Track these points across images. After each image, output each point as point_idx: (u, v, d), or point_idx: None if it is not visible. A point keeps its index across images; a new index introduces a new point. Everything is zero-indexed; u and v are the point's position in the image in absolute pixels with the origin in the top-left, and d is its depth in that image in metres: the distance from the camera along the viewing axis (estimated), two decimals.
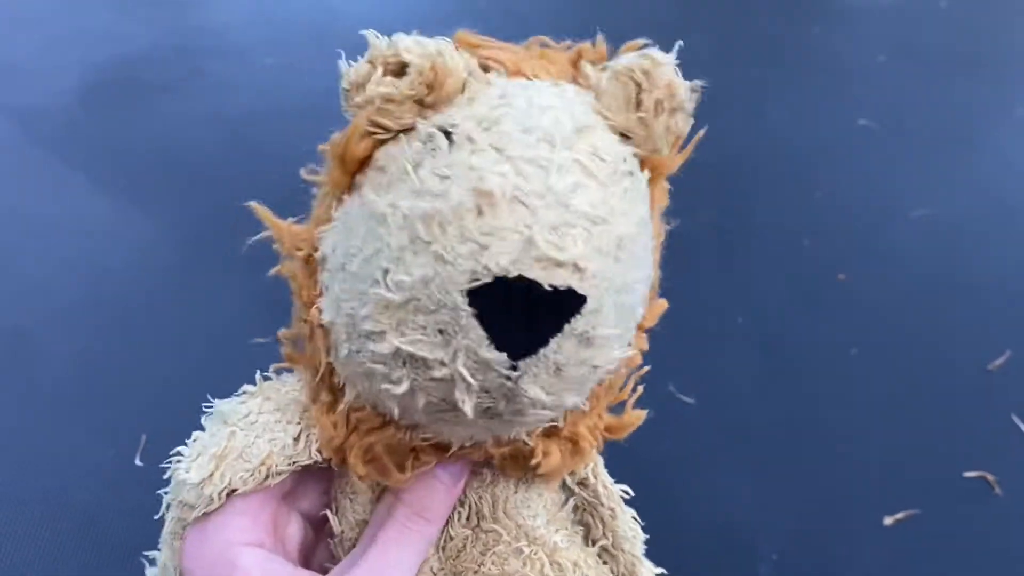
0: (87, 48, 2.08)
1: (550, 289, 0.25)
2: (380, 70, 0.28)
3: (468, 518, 0.35)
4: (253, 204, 0.34)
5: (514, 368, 0.26)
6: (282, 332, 0.36)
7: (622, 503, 0.40)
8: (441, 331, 0.26)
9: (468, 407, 0.27)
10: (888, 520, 1.24)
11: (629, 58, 0.30)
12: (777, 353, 1.49)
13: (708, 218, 1.78)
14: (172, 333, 1.40)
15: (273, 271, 0.35)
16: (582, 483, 0.39)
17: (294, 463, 0.33)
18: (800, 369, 1.46)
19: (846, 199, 1.89)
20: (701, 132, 0.32)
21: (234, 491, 0.33)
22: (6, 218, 1.63)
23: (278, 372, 0.37)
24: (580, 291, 0.26)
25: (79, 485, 1.18)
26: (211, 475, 0.33)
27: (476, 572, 0.35)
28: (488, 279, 0.25)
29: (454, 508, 0.35)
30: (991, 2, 2.73)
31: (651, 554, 1.35)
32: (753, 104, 2.18)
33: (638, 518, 0.42)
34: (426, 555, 0.34)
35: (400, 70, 0.28)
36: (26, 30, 2.16)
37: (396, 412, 0.30)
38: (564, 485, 0.39)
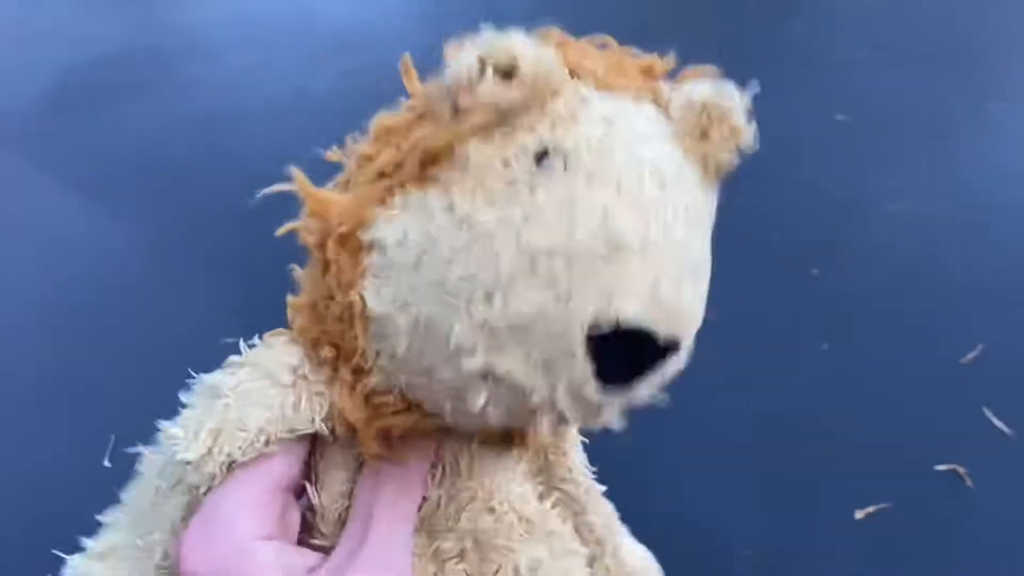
0: (57, 49, 2.08)
1: (659, 338, 0.26)
2: (491, 72, 0.27)
3: (443, 478, 0.35)
4: (293, 170, 0.32)
5: (599, 401, 0.27)
6: (293, 301, 0.35)
7: (600, 496, 0.41)
8: (545, 361, 0.26)
9: (546, 427, 0.28)
10: (859, 514, 1.24)
11: (704, 89, 0.30)
12: (749, 349, 1.49)
13: None
14: (141, 334, 1.39)
15: (284, 230, 0.33)
16: (563, 479, 0.40)
17: (292, 431, 0.33)
18: (772, 365, 1.46)
19: (821, 194, 1.89)
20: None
21: (233, 463, 0.32)
22: None
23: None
24: (684, 339, 0.27)
25: (47, 485, 1.18)
26: (209, 450, 0.32)
27: (450, 530, 0.35)
28: (610, 325, 0.25)
29: (429, 470, 0.35)
30: (968, 0, 2.75)
31: None
32: None
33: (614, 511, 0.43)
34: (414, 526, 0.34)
35: (509, 72, 0.27)
36: None
37: (435, 403, 0.31)
38: (548, 478, 0.40)
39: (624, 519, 1.38)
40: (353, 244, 0.30)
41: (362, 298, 0.30)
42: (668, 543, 1.30)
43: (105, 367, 1.33)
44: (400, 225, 0.29)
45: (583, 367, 0.26)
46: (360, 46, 2.01)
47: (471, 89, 0.27)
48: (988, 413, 1.40)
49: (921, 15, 2.63)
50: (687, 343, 0.28)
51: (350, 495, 0.34)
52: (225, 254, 1.46)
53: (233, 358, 0.34)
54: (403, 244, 0.29)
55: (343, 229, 0.31)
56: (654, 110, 0.30)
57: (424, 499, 0.35)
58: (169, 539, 0.34)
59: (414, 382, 0.30)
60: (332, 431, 0.33)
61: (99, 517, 0.36)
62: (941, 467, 1.32)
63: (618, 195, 0.26)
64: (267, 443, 0.32)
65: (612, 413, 0.29)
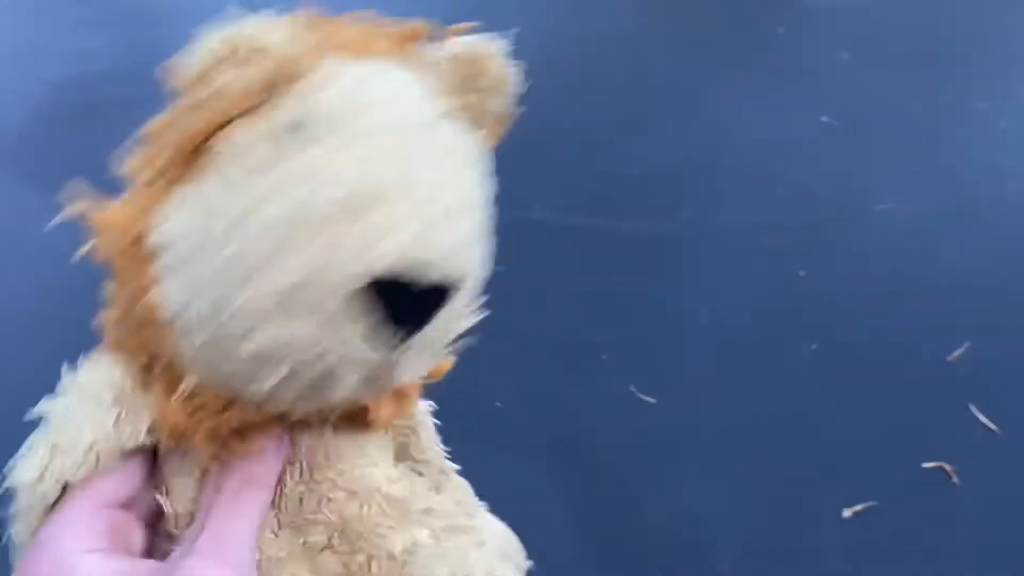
0: (47, 65, 2.09)
1: (426, 288, 0.27)
2: (227, 59, 0.28)
3: (301, 474, 0.35)
4: (74, 184, 0.34)
5: (390, 355, 0.28)
6: (104, 316, 0.35)
7: (455, 474, 0.41)
8: (320, 326, 0.27)
9: (341, 393, 0.29)
10: (847, 512, 1.25)
11: (464, 44, 0.32)
12: (738, 350, 1.50)
13: (670, 217, 1.79)
14: None
15: (80, 253, 0.34)
16: (418, 460, 0.40)
17: (121, 448, 0.33)
18: (760, 366, 1.47)
19: (808, 196, 1.90)
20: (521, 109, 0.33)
21: (68, 484, 0.32)
22: None
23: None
24: (449, 283, 0.28)
25: None
26: (42, 473, 0.32)
27: (315, 523, 0.35)
28: (364, 282, 0.26)
29: (284, 467, 0.35)
30: (955, 1, 2.77)
31: (615, 552, 1.35)
32: (717, 103, 2.20)
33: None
34: (263, 520, 0.34)
35: (246, 56, 0.28)
36: None
37: (253, 396, 0.30)
38: (405, 460, 0.40)
39: (616, 518, 1.38)
40: (141, 251, 0.31)
41: (160, 299, 0.30)
42: (659, 540, 1.31)
43: None
44: (179, 220, 0.29)
45: (352, 326, 0.27)
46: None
47: (210, 75, 0.28)
48: (975, 410, 1.41)
49: (905, 16, 2.64)
50: (469, 280, 0.29)
51: (195, 503, 0.34)
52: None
53: (64, 380, 0.35)
54: (185, 237, 0.29)
55: (128, 238, 0.31)
56: (411, 72, 0.31)
57: (280, 492, 0.35)
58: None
59: (221, 371, 0.30)
60: (156, 443, 0.33)
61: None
62: (928, 464, 1.33)
63: (363, 153, 0.27)
64: (97, 462, 0.32)
65: (406, 370, 0.29)
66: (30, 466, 0.32)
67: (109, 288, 0.34)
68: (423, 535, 0.36)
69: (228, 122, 0.29)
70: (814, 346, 1.51)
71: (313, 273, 0.26)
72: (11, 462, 0.33)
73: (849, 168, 2.00)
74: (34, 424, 0.34)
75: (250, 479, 0.33)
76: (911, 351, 1.52)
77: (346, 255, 0.26)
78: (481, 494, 0.40)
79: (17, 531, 0.34)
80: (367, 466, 0.36)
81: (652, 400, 1.39)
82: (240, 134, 0.29)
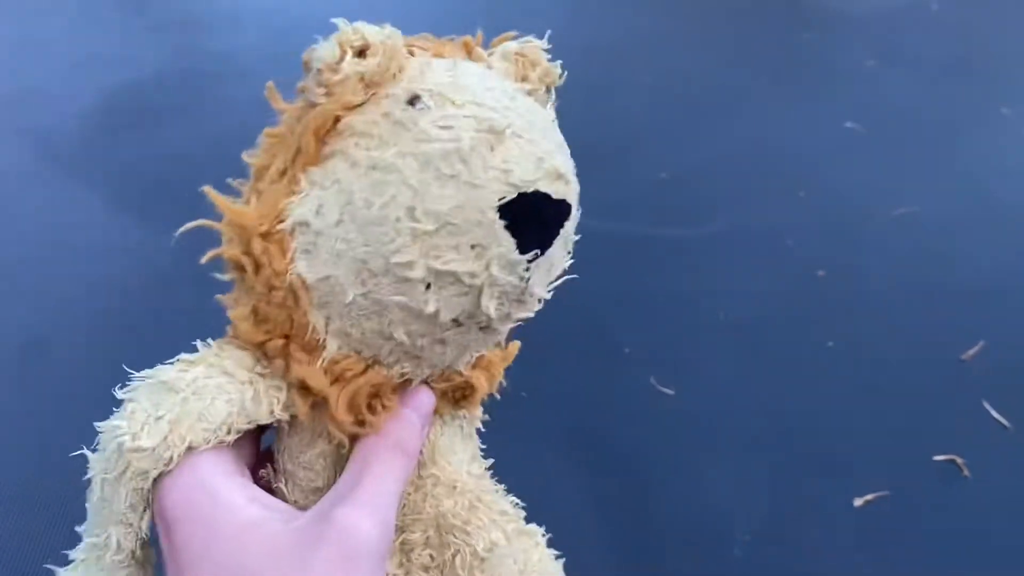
0: (101, 72, 2.18)
1: (557, 199, 0.31)
2: (350, 53, 0.32)
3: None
4: (207, 189, 0.36)
5: (527, 269, 0.31)
6: (236, 312, 0.37)
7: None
8: (473, 246, 0.30)
9: (493, 311, 0.31)
10: (859, 501, 1.30)
11: (512, 44, 0.36)
12: (756, 346, 1.55)
13: (695, 219, 1.85)
14: (177, 342, 1.48)
15: (212, 255, 0.37)
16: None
17: (252, 422, 0.35)
18: (777, 361, 1.52)
19: (830, 199, 1.95)
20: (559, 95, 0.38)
21: (192, 449, 0.34)
22: (24, 234, 1.73)
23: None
24: (571, 200, 0.32)
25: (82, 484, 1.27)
26: (165, 438, 0.33)
27: (416, 520, 0.38)
28: (513, 195, 0.30)
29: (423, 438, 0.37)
30: (979, 6, 2.78)
31: (632, 536, 1.41)
32: (745, 107, 2.25)
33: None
34: (405, 487, 0.36)
35: (362, 53, 0.32)
36: (43, 55, 2.27)
37: (390, 347, 0.34)
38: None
39: (633, 507, 1.47)
40: (276, 236, 0.33)
41: (300, 275, 0.33)
42: (675, 528, 1.37)
43: (143, 366, 1.42)
44: (313, 199, 0.32)
45: (506, 239, 0.30)
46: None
47: (338, 67, 0.32)
48: (987, 406, 1.45)
49: (930, 23, 2.67)
50: (575, 207, 0.32)
51: (317, 492, 0.36)
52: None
53: (184, 356, 0.37)
54: (321, 212, 0.32)
55: (263, 228, 0.33)
56: (480, 63, 0.36)
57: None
58: (122, 530, 0.35)
59: (369, 328, 0.33)
60: (292, 420, 0.36)
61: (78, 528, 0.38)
62: (940, 457, 1.37)
63: (480, 108, 0.31)
64: (228, 433, 0.34)
65: (537, 283, 0.32)
66: (153, 433, 0.33)
67: (233, 294, 0.37)
68: (499, 535, 0.38)
69: (348, 111, 0.32)
70: (831, 343, 1.56)
71: (467, 197, 0.29)
72: (111, 424, 0.35)
73: (871, 172, 2.03)
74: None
75: (399, 444, 0.35)
76: (926, 349, 1.55)
77: (494, 175, 0.29)
78: (506, 479, 0.42)
79: (121, 496, 0.35)
80: (461, 463, 0.39)
81: (671, 392, 1.45)
82: (359, 120, 0.32)
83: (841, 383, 1.49)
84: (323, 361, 0.34)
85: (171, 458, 0.33)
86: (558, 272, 0.34)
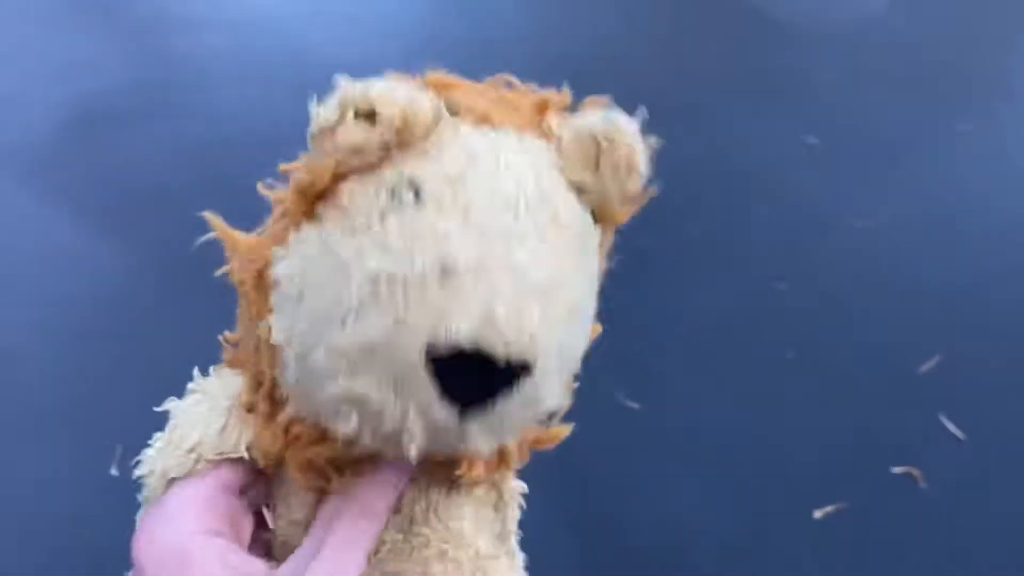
0: (64, 81, 2.15)
1: (501, 359, 0.27)
2: (351, 116, 0.29)
3: (401, 523, 0.35)
4: (207, 214, 0.35)
5: (462, 422, 0.28)
6: (227, 335, 0.37)
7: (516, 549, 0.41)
8: (395, 383, 0.27)
9: (413, 452, 0.29)
10: (818, 513, 1.32)
11: (593, 119, 0.31)
12: (718, 358, 1.57)
13: (656, 229, 1.86)
14: (146, 349, 1.47)
15: (221, 271, 0.36)
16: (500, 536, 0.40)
17: (220, 453, 0.34)
18: (739, 373, 1.54)
19: (790, 212, 1.98)
20: (653, 190, 0.33)
21: (173, 479, 0.34)
22: None
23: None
24: (531, 361, 0.27)
25: (60, 491, 1.26)
26: (152, 468, 0.34)
27: (400, 572, 0.35)
28: (446, 348, 0.26)
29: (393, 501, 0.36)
30: (938, 26, 2.85)
31: (600, 548, 1.42)
32: (707, 121, 2.27)
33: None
34: (371, 550, 0.34)
35: (371, 115, 0.29)
36: (8, 63, 2.23)
37: (337, 431, 0.31)
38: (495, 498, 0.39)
39: (600, 519, 1.48)
40: (263, 281, 0.32)
41: (268, 329, 0.31)
42: (642, 540, 1.38)
43: (112, 381, 1.41)
44: (289, 260, 0.31)
45: (428, 388, 0.27)
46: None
47: (332, 132, 0.29)
48: (943, 419, 1.48)
49: (890, 41, 2.72)
50: (541, 366, 0.28)
51: (306, 524, 0.35)
52: (223, 275, 1.54)
53: (191, 385, 0.37)
54: (291, 277, 0.30)
55: (254, 267, 0.33)
56: (537, 143, 0.31)
57: (382, 542, 0.35)
58: None
59: (309, 408, 0.31)
60: (254, 460, 0.35)
61: None
62: (897, 469, 1.40)
63: (462, 223, 0.28)
64: (196, 463, 0.34)
65: (478, 439, 0.29)
66: (145, 461, 0.35)
67: (239, 308, 0.36)
68: None
69: (349, 173, 0.30)
70: (791, 355, 1.58)
71: (396, 333, 0.27)
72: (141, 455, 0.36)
73: (831, 186, 2.07)
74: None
75: (367, 511, 0.34)
76: (884, 362, 1.59)
77: (428, 320, 0.27)
78: None
79: (140, 516, 0.36)
80: (463, 528, 0.36)
81: (636, 406, 1.47)
82: (358, 187, 0.29)
83: (801, 394, 1.52)
84: (283, 418, 0.32)
85: (154, 487, 0.34)
86: (523, 422, 0.30)
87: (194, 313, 1.56)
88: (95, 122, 2.04)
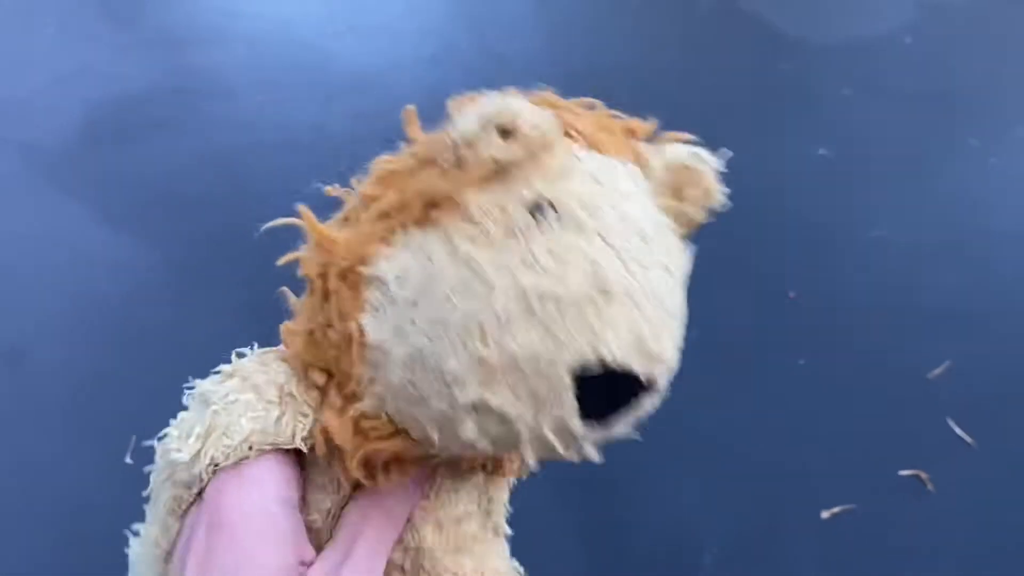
0: (89, 86, 2.20)
1: (642, 379, 0.28)
2: (494, 132, 0.29)
3: (408, 544, 0.37)
4: (300, 207, 0.35)
5: (578, 442, 0.29)
6: (289, 326, 0.36)
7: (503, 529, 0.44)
8: (534, 395, 0.28)
9: (532, 460, 0.30)
10: (825, 514, 1.33)
11: (682, 151, 0.34)
12: (728, 363, 1.58)
13: None
14: (162, 344, 1.50)
15: (285, 259, 0.35)
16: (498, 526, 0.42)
17: (274, 444, 0.34)
18: (749, 378, 1.56)
19: (802, 223, 1.99)
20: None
21: (216, 466, 0.34)
22: (9, 245, 1.74)
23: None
24: (659, 381, 0.29)
25: (77, 479, 1.30)
26: (198, 452, 0.33)
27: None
28: (596, 366, 0.28)
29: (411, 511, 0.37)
30: (951, 40, 2.86)
31: (603, 547, 1.43)
32: (720, 134, 2.29)
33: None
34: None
35: (508, 131, 0.29)
36: (32, 68, 2.29)
37: (422, 430, 0.32)
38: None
39: (604, 518, 1.50)
40: (354, 278, 0.32)
41: (361, 328, 0.31)
42: (645, 540, 1.39)
43: (128, 374, 1.44)
44: (400, 263, 0.31)
45: (570, 404, 0.28)
46: (372, 87, 2.13)
47: (474, 145, 0.29)
48: (952, 424, 1.49)
49: (903, 55, 2.74)
50: (662, 384, 0.30)
51: (329, 516, 0.36)
52: (238, 275, 1.57)
53: (223, 367, 0.36)
54: (403, 280, 0.30)
55: (345, 263, 0.32)
56: (635, 169, 0.33)
57: (399, 540, 0.36)
58: (159, 530, 0.36)
59: (404, 409, 0.31)
60: (312, 450, 0.35)
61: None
62: (905, 472, 1.40)
63: (605, 246, 0.29)
64: (250, 450, 0.34)
65: (591, 447, 0.30)
66: (186, 446, 0.34)
67: (303, 302, 0.36)
68: None
69: (471, 187, 0.30)
70: (802, 361, 1.59)
71: (546, 349, 0.27)
72: (163, 433, 0.36)
73: (843, 197, 2.08)
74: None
75: (391, 518, 0.35)
76: (894, 367, 1.59)
77: (582, 339, 0.27)
78: None
79: (164, 499, 0.36)
80: (470, 553, 0.38)
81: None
82: (482, 201, 0.30)
83: (811, 399, 1.52)
84: (355, 412, 0.33)
85: (200, 476, 0.34)
86: (616, 434, 0.32)
87: (205, 307, 1.60)
88: (121, 127, 2.08)
